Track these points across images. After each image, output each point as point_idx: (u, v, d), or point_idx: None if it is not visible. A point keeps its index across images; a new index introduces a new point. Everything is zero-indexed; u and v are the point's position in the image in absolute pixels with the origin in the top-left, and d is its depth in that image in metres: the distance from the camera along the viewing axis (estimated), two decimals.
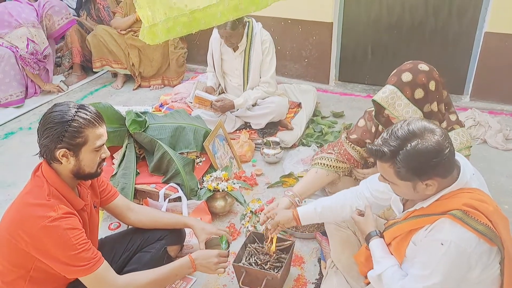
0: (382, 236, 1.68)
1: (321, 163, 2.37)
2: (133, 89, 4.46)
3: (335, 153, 2.38)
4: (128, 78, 4.61)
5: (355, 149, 2.36)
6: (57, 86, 4.35)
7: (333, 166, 2.35)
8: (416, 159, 1.36)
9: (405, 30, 3.92)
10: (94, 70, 4.51)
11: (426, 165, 1.37)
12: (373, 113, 2.21)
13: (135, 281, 1.68)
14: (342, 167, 2.36)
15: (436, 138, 1.37)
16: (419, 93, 1.96)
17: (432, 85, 1.98)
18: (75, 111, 1.56)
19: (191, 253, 1.87)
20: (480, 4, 3.58)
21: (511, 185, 2.84)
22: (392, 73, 2.05)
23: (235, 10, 1.60)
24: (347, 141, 2.38)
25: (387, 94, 1.98)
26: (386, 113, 2.08)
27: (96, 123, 1.59)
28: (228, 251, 1.99)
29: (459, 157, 1.52)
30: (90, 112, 1.59)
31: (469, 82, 3.83)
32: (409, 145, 1.37)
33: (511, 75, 3.58)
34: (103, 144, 1.65)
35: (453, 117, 2.11)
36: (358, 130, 2.37)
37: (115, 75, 4.67)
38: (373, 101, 2.06)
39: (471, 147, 2.12)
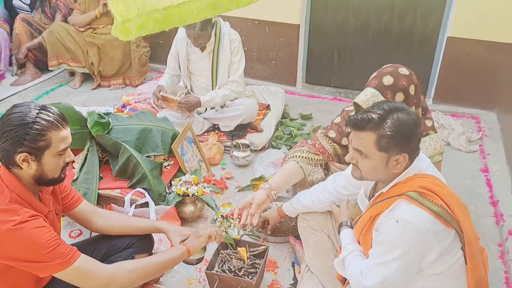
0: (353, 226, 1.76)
1: (293, 156, 2.39)
2: (92, 89, 4.30)
3: (307, 145, 2.40)
4: (87, 77, 4.43)
5: (331, 144, 2.36)
6: None
7: (305, 157, 2.36)
8: (402, 127, 1.45)
9: (371, 34, 3.97)
10: (49, 68, 4.29)
11: (409, 134, 1.47)
12: (352, 114, 2.20)
13: (122, 269, 1.58)
14: (314, 159, 2.37)
15: (414, 115, 1.52)
16: (399, 97, 1.98)
17: (412, 89, 2.01)
18: (37, 113, 1.46)
19: None
20: (443, 10, 3.68)
21: (475, 187, 2.91)
22: (373, 75, 2.05)
23: (213, 8, 1.52)
24: (323, 136, 2.38)
25: (368, 96, 1.98)
26: None
27: (59, 125, 1.50)
28: (203, 257, 1.91)
29: None
30: (53, 114, 1.50)
31: (432, 85, 3.93)
32: (395, 114, 1.46)
33: (472, 79, 3.70)
34: (67, 147, 1.55)
35: (429, 123, 2.14)
36: (335, 126, 2.38)
37: (72, 74, 4.48)
38: (354, 103, 2.04)
39: (443, 153, 2.16)
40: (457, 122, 3.55)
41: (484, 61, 3.59)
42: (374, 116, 1.46)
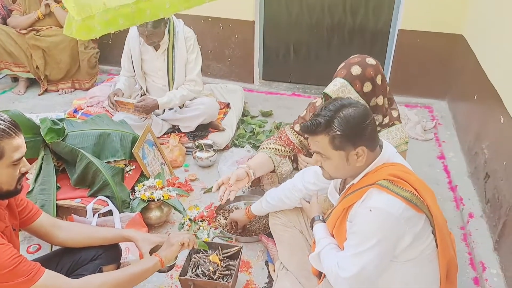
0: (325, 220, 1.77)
1: (262, 148, 2.40)
2: (39, 94, 4.07)
3: (274, 138, 2.42)
4: (32, 83, 4.20)
5: (296, 136, 2.37)
6: None
7: (273, 148, 2.36)
8: (350, 123, 1.47)
9: (325, 29, 4.02)
10: None
11: (358, 128, 1.48)
12: (319, 105, 2.20)
13: (91, 283, 1.50)
14: (281, 150, 2.37)
15: (362, 106, 1.53)
16: (367, 87, 1.99)
17: (379, 79, 2.02)
18: None
19: None
20: (393, 3, 3.77)
21: (434, 173, 3.01)
22: (341, 66, 2.05)
23: (185, 0, 1.44)
24: (290, 128, 2.39)
25: (338, 87, 1.98)
26: None
27: (12, 133, 1.39)
28: (174, 264, 1.83)
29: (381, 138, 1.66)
30: (4, 121, 1.38)
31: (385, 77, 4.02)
32: (341, 113, 1.48)
33: (424, 70, 3.83)
34: (22, 157, 1.45)
35: (395, 113, 2.17)
36: (300, 120, 2.39)
37: (16, 79, 4.24)
38: (324, 93, 2.04)
39: (408, 142, 2.20)
40: (412, 112, 3.66)
41: (434, 52, 3.72)
42: (321, 120, 1.49)
